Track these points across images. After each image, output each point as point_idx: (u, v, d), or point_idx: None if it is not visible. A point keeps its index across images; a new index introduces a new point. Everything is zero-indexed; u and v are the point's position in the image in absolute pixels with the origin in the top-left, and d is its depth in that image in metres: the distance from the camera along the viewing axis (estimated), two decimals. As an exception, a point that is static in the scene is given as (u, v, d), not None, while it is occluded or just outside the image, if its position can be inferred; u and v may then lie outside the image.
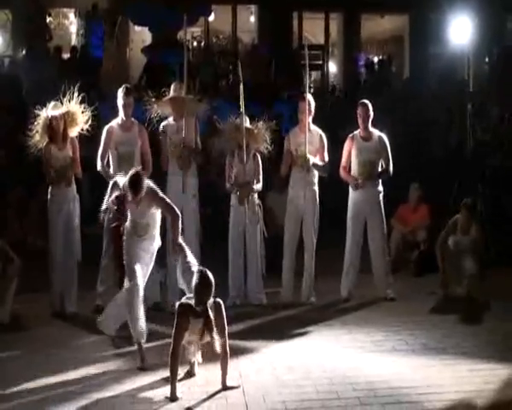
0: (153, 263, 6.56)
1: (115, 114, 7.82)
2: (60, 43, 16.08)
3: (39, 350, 6.48)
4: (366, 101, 8.20)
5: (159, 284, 7.85)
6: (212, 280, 5.41)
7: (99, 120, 8.00)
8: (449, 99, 14.19)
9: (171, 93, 7.90)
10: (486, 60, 16.18)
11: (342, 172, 8.21)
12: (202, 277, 5.41)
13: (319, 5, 17.78)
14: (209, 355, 5.77)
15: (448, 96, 14.31)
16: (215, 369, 5.67)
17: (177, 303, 5.54)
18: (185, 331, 5.40)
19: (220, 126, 8.07)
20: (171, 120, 7.95)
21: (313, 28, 19.24)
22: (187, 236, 7.95)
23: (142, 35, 16.65)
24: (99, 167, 7.71)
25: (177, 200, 7.82)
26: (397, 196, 9.82)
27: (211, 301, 5.41)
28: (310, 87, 14.07)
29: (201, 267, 5.58)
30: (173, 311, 5.96)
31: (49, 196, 7.64)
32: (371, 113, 8.11)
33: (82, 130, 7.69)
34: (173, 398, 5.32)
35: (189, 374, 5.79)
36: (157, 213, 6.40)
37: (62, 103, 7.57)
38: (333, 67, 19.44)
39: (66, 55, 15.73)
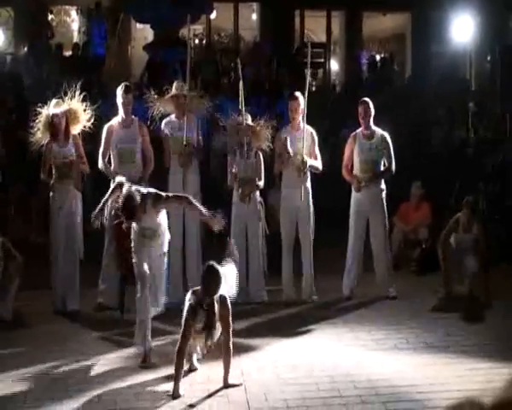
0: (165, 261, 6.51)
1: (116, 112, 7.83)
2: (61, 41, 16.04)
3: (41, 347, 6.48)
4: (367, 98, 8.20)
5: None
6: (221, 274, 5.42)
7: (101, 118, 8.01)
8: (451, 97, 14.18)
9: (173, 91, 7.90)
10: (488, 58, 16.17)
11: (344, 172, 8.19)
12: (211, 270, 5.42)
13: (321, 3, 17.77)
14: (211, 353, 5.79)
15: (450, 94, 14.30)
16: (217, 366, 5.67)
17: (188, 296, 5.52)
18: (192, 328, 5.41)
19: (222, 124, 8.07)
20: (172, 117, 7.96)
21: (315, 26, 19.23)
22: (188, 234, 7.98)
23: (144, 32, 16.65)
24: (100, 165, 7.73)
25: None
26: (399, 194, 9.81)
27: (217, 295, 5.42)
28: (311, 85, 14.10)
29: (211, 262, 5.57)
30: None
31: (50, 194, 7.64)
32: (372, 110, 8.10)
33: (84, 127, 7.70)
34: (175, 395, 5.33)
35: (190, 369, 5.79)
36: (163, 216, 6.36)
37: (64, 101, 7.58)
38: (335, 65, 19.42)
39: (67, 53, 15.72)
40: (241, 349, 6.20)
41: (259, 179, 7.93)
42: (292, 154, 7.84)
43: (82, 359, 6.18)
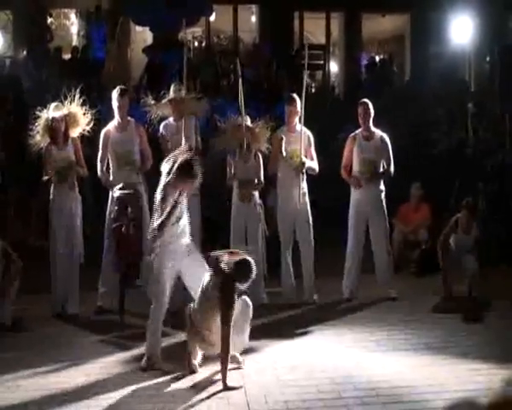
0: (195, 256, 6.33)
1: (113, 116, 7.83)
2: (61, 44, 16.05)
3: (40, 352, 6.47)
4: (366, 100, 8.21)
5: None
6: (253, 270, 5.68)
7: (100, 122, 8.02)
8: (450, 98, 14.17)
9: (171, 94, 7.90)
10: (487, 59, 16.16)
11: (343, 173, 8.22)
12: (247, 262, 5.66)
13: (320, 5, 17.74)
14: (211, 354, 5.81)
15: (449, 95, 14.30)
16: (217, 368, 5.69)
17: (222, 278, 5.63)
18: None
19: (221, 125, 8.07)
20: (171, 120, 7.96)
21: (314, 28, 19.21)
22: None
23: (143, 35, 16.64)
24: (99, 172, 7.76)
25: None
26: (398, 195, 9.81)
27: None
28: (311, 87, 14.10)
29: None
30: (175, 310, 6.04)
31: (50, 197, 7.65)
32: (371, 111, 8.11)
33: (83, 131, 7.71)
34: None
35: (191, 371, 5.81)
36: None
37: (63, 104, 7.59)
38: (334, 67, 19.43)
39: (67, 56, 15.72)
40: (241, 351, 6.20)
41: (259, 181, 7.93)
42: (284, 154, 7.85)
43: (81, 363, 6.16)
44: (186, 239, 6.13)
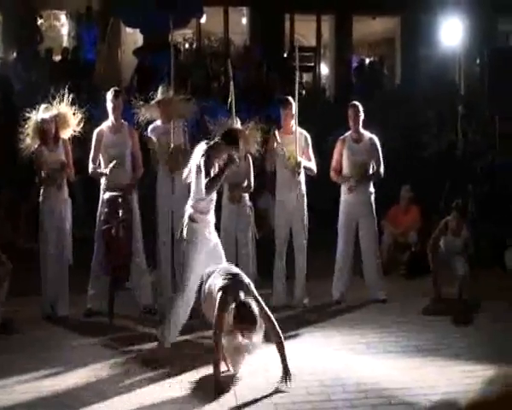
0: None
1: (106, 117, 7.82)
2: (51, 46, 16.02)
3: (32, 354, 6.45)
4: (356, 102, 8.21)
5: (151, 286, 7.84)
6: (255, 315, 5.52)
7: (91, 123, 8.00)
8: (440, 100, 14.22)
9: (159, 95, 7.89)
10: (477, 61, 16.23)
11: (333, 175, 8.21)
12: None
13: (311, 7, 17.77)
14: (202, 357, 5.80)
15: (439, 97, 14.34)
16: (207, 371, 5.70)
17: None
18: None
19: (211, 128, 8.05)
20: (158, 122, 7.94)
21: (305, 30, 19.25)
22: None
23: (133, 37, 16.62)
24: (90, 170, 7.70)
25: (166, 202, 7.84)
26: (388, 197, 9.84)
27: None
28: (302, 88, 14.10)
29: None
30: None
31: (40, 199, 7.62)
32: (362, 114, 8.12)
33: (74, 132, 7.69)
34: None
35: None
36: None
37: (53, 106, 7.56)
38: (325, 69, 19.46)
39: (57, 58, 15.68)
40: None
41: (249, 183, 7.92)
42: (283, 153, 7.85)
43: (72, 365, 6.14)
44: (215, 236, 6.44)
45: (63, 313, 7.60)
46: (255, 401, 5.31)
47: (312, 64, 18.31)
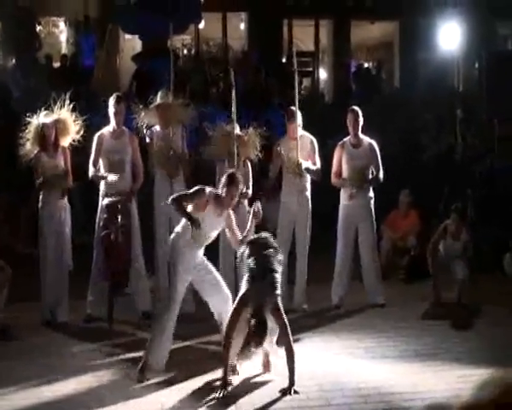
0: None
1: (106, 123, 7.82)
2: (50, 52, 16.04)
3: (30, 360, 6.44)
4: (356, 107, 8.21)
5: (149, 292, 7.84)
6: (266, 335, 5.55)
7: (89, 130, 8.00)
8: (439, 104, 14.23)
9: (158, 100, 7.90)
10: (476, 65, 16.24)
11: (334, 179, 8.20)
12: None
13: (309, 12, 17.81)
14: (196, 363, 5.80)
15: (438, 101, 14.35)
16: (198, 374, 5.74)
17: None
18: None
19: (210, 133, 8.06)
20: (157, 127, 7.95)
21: (303, 35, 19.28)
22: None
23: (132, 43, 16.64)
24: (91, 174, 7.68)
25: (165, 208, 7.83)
26: (387, 202, 9.83)
27: None
28: (301, 94, 14.11)
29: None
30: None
31: (40, 204, 7.62)
32: (361, 119, 8.12)
33: (73, 140, 7.68)
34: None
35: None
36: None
37: (53, 112, 7.56)
38: (323, 74, 19.49)
39: (56, 64, 15.70)
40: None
41: (247, 188, 7.91)
42: (285, 158, 7.86)
43: (72, 372, 6.13)
44: (201, 253, 6.22)
45: (63, 318, 7.59)
46: (254, 406, 5.31)
47: (311, 69, 18.35)
